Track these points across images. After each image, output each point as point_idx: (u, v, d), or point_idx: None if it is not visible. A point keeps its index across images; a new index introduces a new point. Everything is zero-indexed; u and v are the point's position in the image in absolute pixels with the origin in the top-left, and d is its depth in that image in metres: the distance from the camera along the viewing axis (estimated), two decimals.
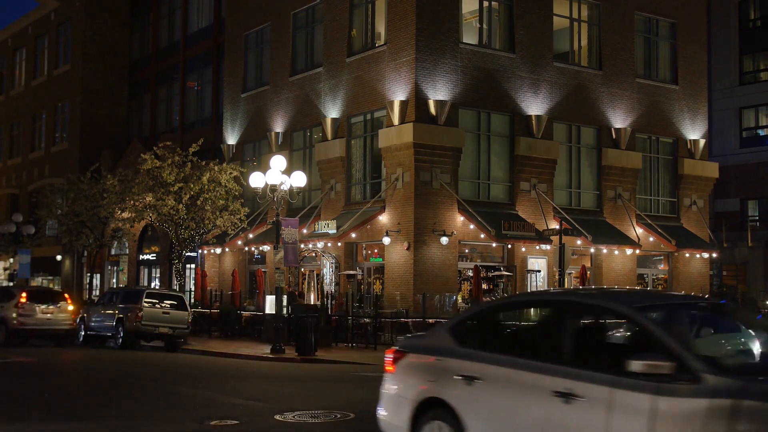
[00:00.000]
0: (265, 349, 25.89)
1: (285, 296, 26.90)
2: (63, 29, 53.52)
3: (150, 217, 32.61)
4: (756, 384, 6.41)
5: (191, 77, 46.48)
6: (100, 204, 36.54)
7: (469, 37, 31.89)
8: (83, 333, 29.83)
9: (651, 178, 36.15)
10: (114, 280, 48.09)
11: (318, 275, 33.66)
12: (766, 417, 6.14)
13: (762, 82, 46.41)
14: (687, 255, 35.58)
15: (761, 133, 46.73)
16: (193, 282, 39.57)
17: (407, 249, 29.33)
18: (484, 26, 32.27)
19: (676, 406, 6.50)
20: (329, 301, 29.92)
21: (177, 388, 16.23)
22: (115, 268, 48.33)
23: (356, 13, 33.24)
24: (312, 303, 32.17)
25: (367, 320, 28.63)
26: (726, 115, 46.61)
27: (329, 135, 33.25)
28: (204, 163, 32.69)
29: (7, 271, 47.81)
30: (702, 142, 37.15)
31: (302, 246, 30.60)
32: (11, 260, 47.73)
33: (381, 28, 32.14)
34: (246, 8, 39.69)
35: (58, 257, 48.85)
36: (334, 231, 30.68)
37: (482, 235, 30.05)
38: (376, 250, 31.88)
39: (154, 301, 27.78)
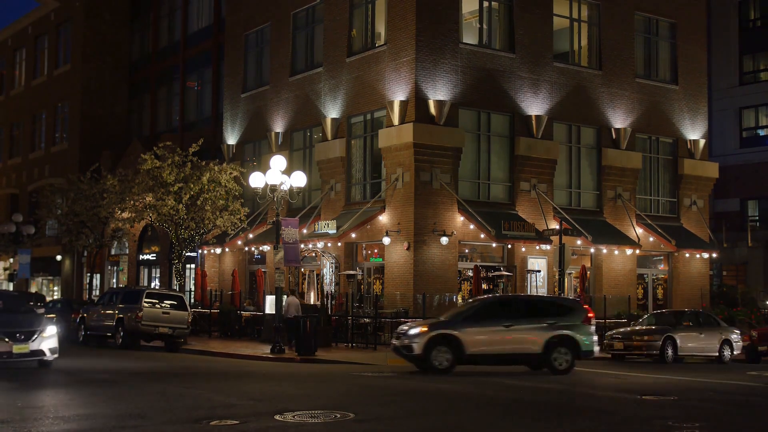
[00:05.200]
0: (265, 349, 25.89)
1: (285, 296, 26.90)
2: (63, 29, 53.52)
3: (150, 217, 32.61)
4: None
5: (191, 77, 46.48)
6: (100, 204, 36.54)
7: (469, 37, 31.89)
8: (83, 333, 29.84)
9: (651, 178, 36.16)
10: (114, 280, 48.08)
11: (318, 275, 33.66)
12: None
13: (762, 82, 46.43)
14: (687, 255, 35.58)
15: (761, 133, 46.73)
16: (193, 282, 39.56)
17: (407, 249, 29.33)
18: (484, 26, 32.27)
19: None
20: (329, 301, 29.92)
21: (177, 388, 16.23)
22: (115, 268, 48.32)
23: (356, 13, 33.24)
24: (312, 303, 32.18)
25: (367, 320, 28.64)
26: (726, 115, 46.62)
27: (329, 135, 33.25)
28: (204, 163, 32.68)
29: (7, 271, 47.81)
30: (702, 142, 37.15)
31: (302, 246, 30.60)
32: (11, 260, 47.73)
33: (381, 28, 32.15)
34: (246, 8, 39.70)
35: (58, 257, 48.85)
36: (334, 231, 30.68)
37: (482, 235, 30.05)
38: (376, 250, 31.88)
39: (154, 301, 27.77)
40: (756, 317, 33.60)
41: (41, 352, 18.64)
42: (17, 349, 18.27)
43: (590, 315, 21.56)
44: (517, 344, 20.73)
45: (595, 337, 21.56)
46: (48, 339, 18.83)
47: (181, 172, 31.79)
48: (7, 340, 18.29)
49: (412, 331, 20.76)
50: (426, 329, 20.61)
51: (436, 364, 20.27)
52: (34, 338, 18.56)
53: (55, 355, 18.96)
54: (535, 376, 20.44)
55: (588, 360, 22.54)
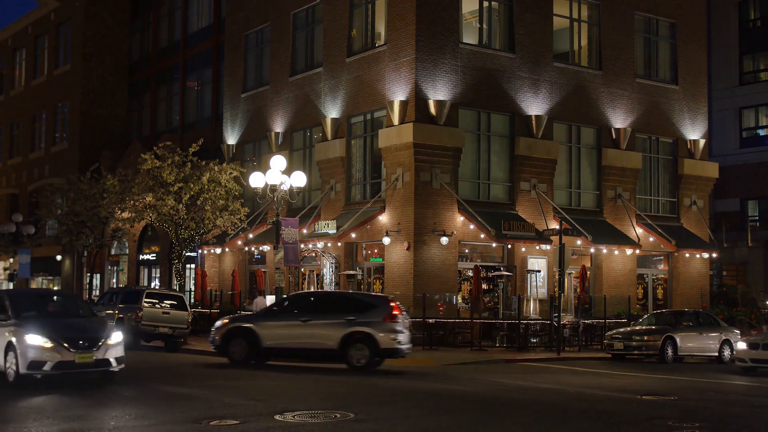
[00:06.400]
0: None
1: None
2: (63, 29, 53.52)
3: (150, 217, 32.60)
4: None
5: (191, 77, 46.49)
6: (100, 204, 36.54)
7: (469, 37, 31.89)
8: None
9: (651, 178, 36.16)
10: (114, 280, 48.10)
11: (318, 275, 33.66)
12: None
13: (762, 82, 46.43)
14: (687, 255, 35.58)
15: (761, 133, 46.73)
16: (193, 282, 39.57)
17: (407, 249, 29.33)
18: (484, 26, 32.27)
19: None
20: None
21: (176, 388, 16.24)
22: (115, 268, 48.34)
23: (356, 13, 33.24)
24: None
25: None
26: (726, 115, 46.62)
27: (329, 135, 33.25)
28: (204, 163, 32.67)
29: (7, 271, 47.79)
30: (702, 142, 37.15)
31: (302, 246, 30.60)
32: (11, 260, 47.72)
33: (381, 28, 32.14)
34: (246, 8, 39.70)
35: (58, 257, 48.86)
36: (334, 231, 30.68)
37: (482, 235, 30.04)
38: (376, 250, 31.88)
39: (154, 301, 27.78)
40: (756, 317, 33.59)
41: (106, 362, 16.31)
42: (80, 358, 15.94)
43: (394, 312, 20.97)
44: (313, 339, 20.97)
45: (401, 336, 20.82)
46: (114, 347, 16.46)
47: (181, 172, 31.78)
48: (66, 346, 15.87)
49: (217, 324, 21.99)
50: (226, 322, 21.76)
51: (232, 355, 21.25)
52: (98, 346, 16.20)
53: (122, 365, 16.75)
54: (534, 376, 20.45)
55: (399, 359, 21.60)
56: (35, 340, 15.76)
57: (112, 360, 16.37)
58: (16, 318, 16.57)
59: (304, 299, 22.71)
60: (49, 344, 15.76)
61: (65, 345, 15.85)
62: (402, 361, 23.45)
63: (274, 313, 21.80)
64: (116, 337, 16.65)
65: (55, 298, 18.85)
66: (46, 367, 15.72)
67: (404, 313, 21.42)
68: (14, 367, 15.86)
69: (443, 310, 28.96)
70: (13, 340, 15.92)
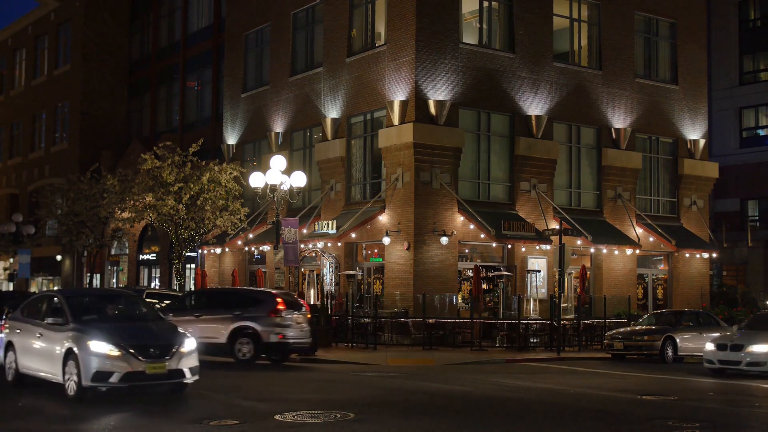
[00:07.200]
0: None
1: None
2: (63, 29, 53.52)
3: (150, 217, 32.58)
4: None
5: (191, 77, 46.49)
6: (100, 204, 36.53)
7: (469, 37, 31.89)
8: None
9: (651, 178, 36.16)
10: (114, 280, 48.09)
11: (318, 275, 33.67)
12: None
13: (762, 82, 46.43)
14: (687, 255, 35.59)
15: (761, 133, 46.74)
16: (193, 282, 39.55)
17: (407, 249, 29.33)
18: (484, 26, 32.27)
19: None
20: (329, 301, 29.89)
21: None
22: (115, 268, 48.33)
23: (356, 13, 33.24)
24: (312, 303, 32.16)
25: (367, 320, 28.63)
26: (726, 115, 46.63)
27: (329, 135, 33.26)
28: (204, 163, 32.64)
29: (7, 271, 47.80)
30: (702, 142, 37.16)
31: (302, 246, 30.59)
32: (11, 260, 47.72)
33: (381, 28, 32.15)
34: (246, 8, 39.70)
35: (58, 257, 48.86)
36: (334, 231, 30.69)
37: (482, 235, 30.05)
38: (376, 250, 31.88)
39: (154, 301, 27.71)
40: None
41: (180, 373, 14.42)
42: (151, 368, 14.01)
43: (279, 307, 21.31)
44: (206, 333, 21.44)
45: (288, 331, 21.27)
46: (188, 356, 14.57)
47: (181, 172, 31.75)
48: (135, 353, 13.95)
49: None
50: None
51: None
52: (171, 354, 14.32)
53: (196, 377, 14.81)
54: (534, 376, 20.46)
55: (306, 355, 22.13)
56: (100, 347, 13.86)
57: (185, 370, 14.51)
58: (75, 322, 14.67)
59: (198, 295, 23.46)
60: (115, 352, 13.84)
61: (133, 353, 13.95)
62: (402, 360, 23.47)
63: (172, 310, 22.58)
64: (189, 344, 14.77)
65: (116, 299, 17.02)
66: (113, 379, 13.79)
67: (292, 309, 21.59)
68: (75, 379, 13.92)
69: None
70: (74, 347, 14.00)
